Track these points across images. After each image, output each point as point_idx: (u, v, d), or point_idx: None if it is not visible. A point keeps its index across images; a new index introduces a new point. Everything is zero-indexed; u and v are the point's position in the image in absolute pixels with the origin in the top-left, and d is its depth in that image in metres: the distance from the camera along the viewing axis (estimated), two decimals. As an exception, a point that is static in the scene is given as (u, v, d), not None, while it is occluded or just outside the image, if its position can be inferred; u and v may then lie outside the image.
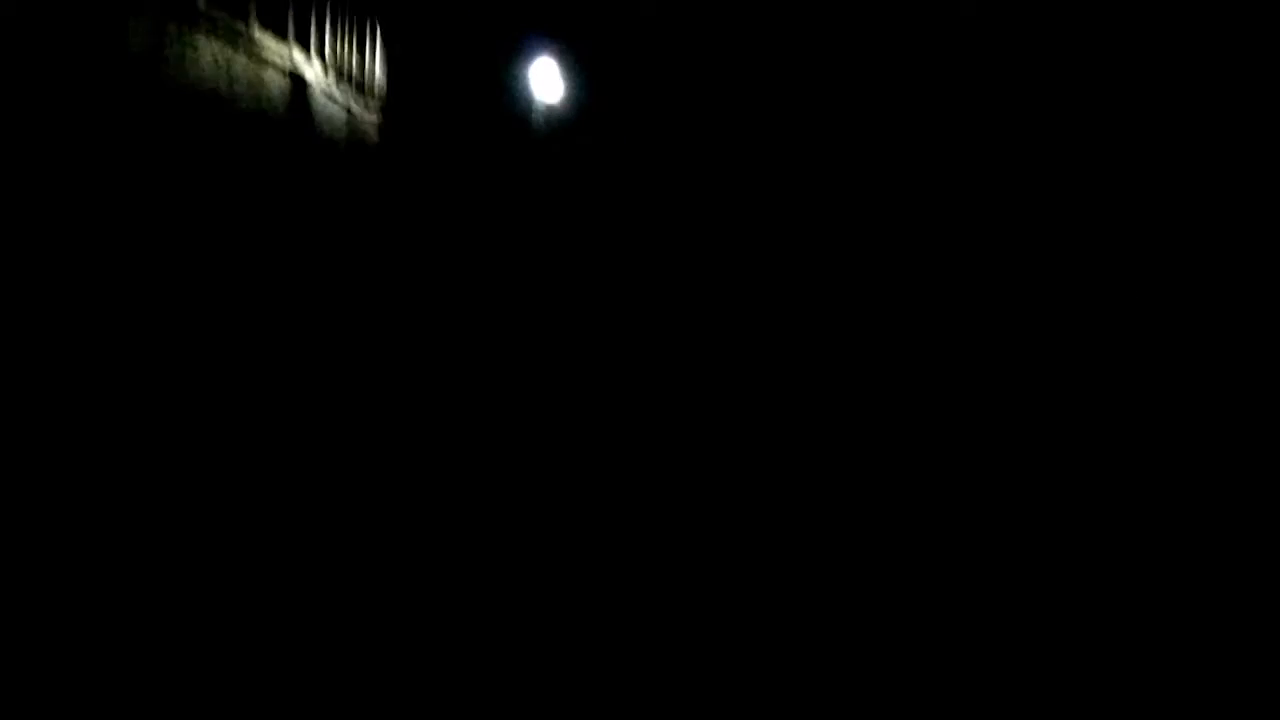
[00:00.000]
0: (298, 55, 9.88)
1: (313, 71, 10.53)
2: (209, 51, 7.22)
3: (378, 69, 16.66)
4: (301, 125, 10.20)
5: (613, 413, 4.56)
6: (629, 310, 8.09)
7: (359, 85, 15.25)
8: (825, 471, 4.40)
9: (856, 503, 3.98)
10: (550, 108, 24.99)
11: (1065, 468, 4.53)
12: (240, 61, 8.25)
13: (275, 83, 9.40)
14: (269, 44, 8.76)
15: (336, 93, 12.43)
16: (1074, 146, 11.71)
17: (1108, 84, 11.38)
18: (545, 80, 21.31)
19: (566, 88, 25.29)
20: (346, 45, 13.83)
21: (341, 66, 13.48)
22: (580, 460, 3.91)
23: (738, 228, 17.33)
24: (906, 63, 13.99)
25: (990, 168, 12.56)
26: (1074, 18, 11.73)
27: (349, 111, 14.17)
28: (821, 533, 3.63)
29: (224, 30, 7.45)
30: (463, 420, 4.01)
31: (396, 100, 20.64)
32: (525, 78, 24.99)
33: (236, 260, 8.29)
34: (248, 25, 8.06)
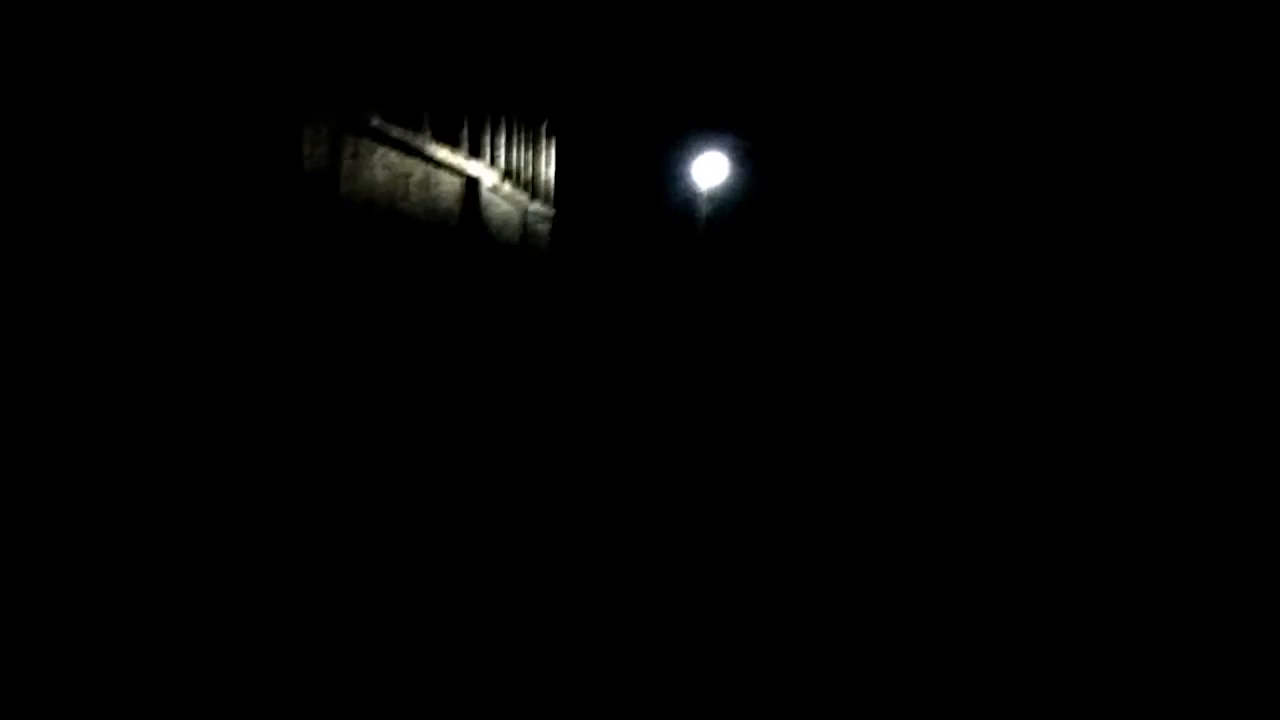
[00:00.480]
0: (471, 163, 10.93)
1: (485, 175, 11.59)
2: (383, 162, 8.22)
3: (550, 170, 18.13)
4: (472, 223, 11.17)
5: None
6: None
7: (532, 186, 16.63)
8: (832, 471, 4.56)
9: (865, 500, 4.14)
10: (713, 198, 25.90)
11: (1062, 464, 4.62)
12: (417, 169, 9.25)
13: (449, 186, 10.43)
14: (442, 154, 9.78)
15: (509, 192, 13.63)
16: (1073, 145, 11.65)
17: (1107, 83, 11.22)
18: (709, 172, 22.11)
19: (729, 179, 26.23)
20: (520, 149, 15.20)
21: (515, 170, 14.79)
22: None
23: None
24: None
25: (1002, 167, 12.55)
26: (1073, 18, 11.64)
27: (524, 210, 15.43)
28: (824, 530, 3.77)
29: (398, 142, 8.45)
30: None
31: (567, 197, 22.35)
32: (688, 172, 26.20)
33: (403, 348, 9.06)
34: (421, 137, 9.08)
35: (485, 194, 11.87)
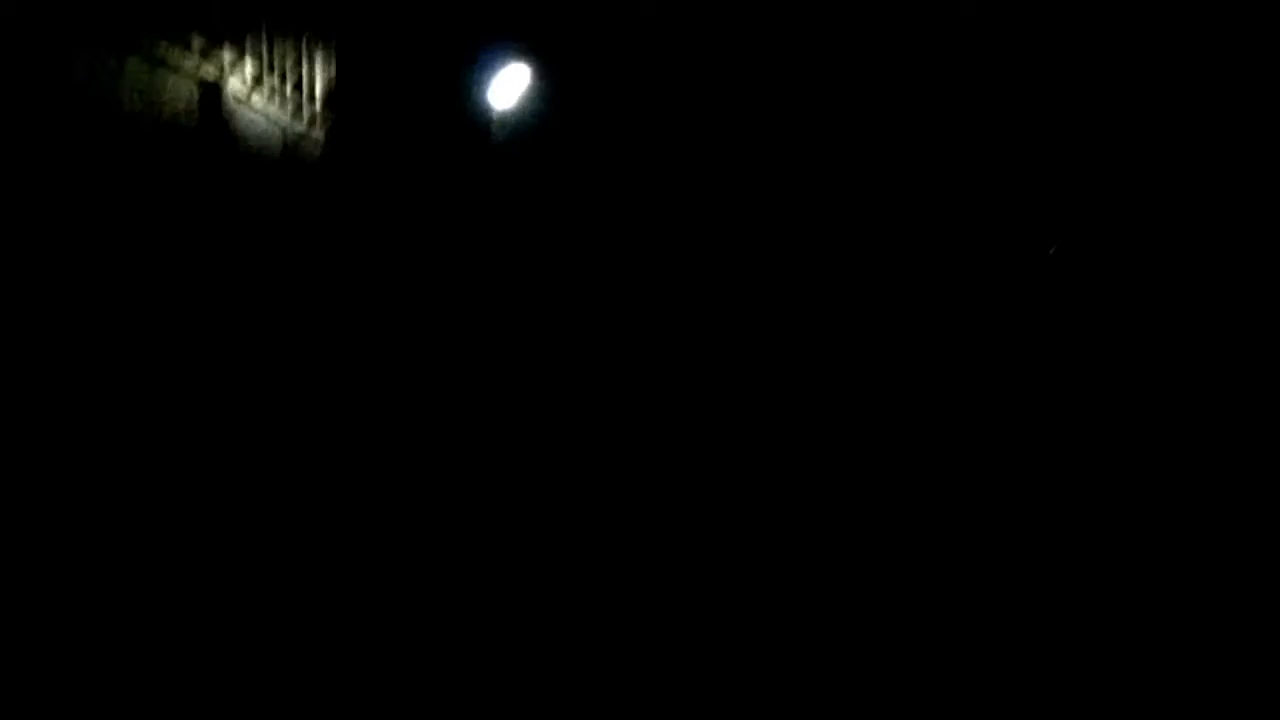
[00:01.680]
0: (208, 65, 9.07)
1: (230, 81, 9.73)
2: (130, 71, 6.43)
3: (322, 82, 15.87)
4: (213, 139, 9.38)
5: (576, 414, 4.50)
6: (594, 316, 7.86)
7: (299, 100, 14.46)
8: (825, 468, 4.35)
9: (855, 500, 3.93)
10: (508, 116, 24.27)
11: (1060, 462, 4.51)
12: (147, 74, 7.46)
13: (183, 92, 8.60)
14: (175, 53, 7.97)
15: (262, 105, 11.63)
16: (1072, 144, 11.63)
17: (1107, 82, 11.32)
18: (504, 90, 20.57)
19: (526, 97, 24.59)
20: (282, 53, 13.05)
21: (274, 78, 12.69)
22: (562, 458, 3.77)
23: (704, 231, 16.88)
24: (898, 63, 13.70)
25: (992, 166, 12.43)
26: (1072, 19, 11.65)
27: (284, 128, 13.37)
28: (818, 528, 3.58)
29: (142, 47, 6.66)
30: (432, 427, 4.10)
31: (344, 114, 19.80)
32: (482, 88, 24.26)
33: (130, 264, 7.47)
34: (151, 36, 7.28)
35: (231, 104, 10.00)
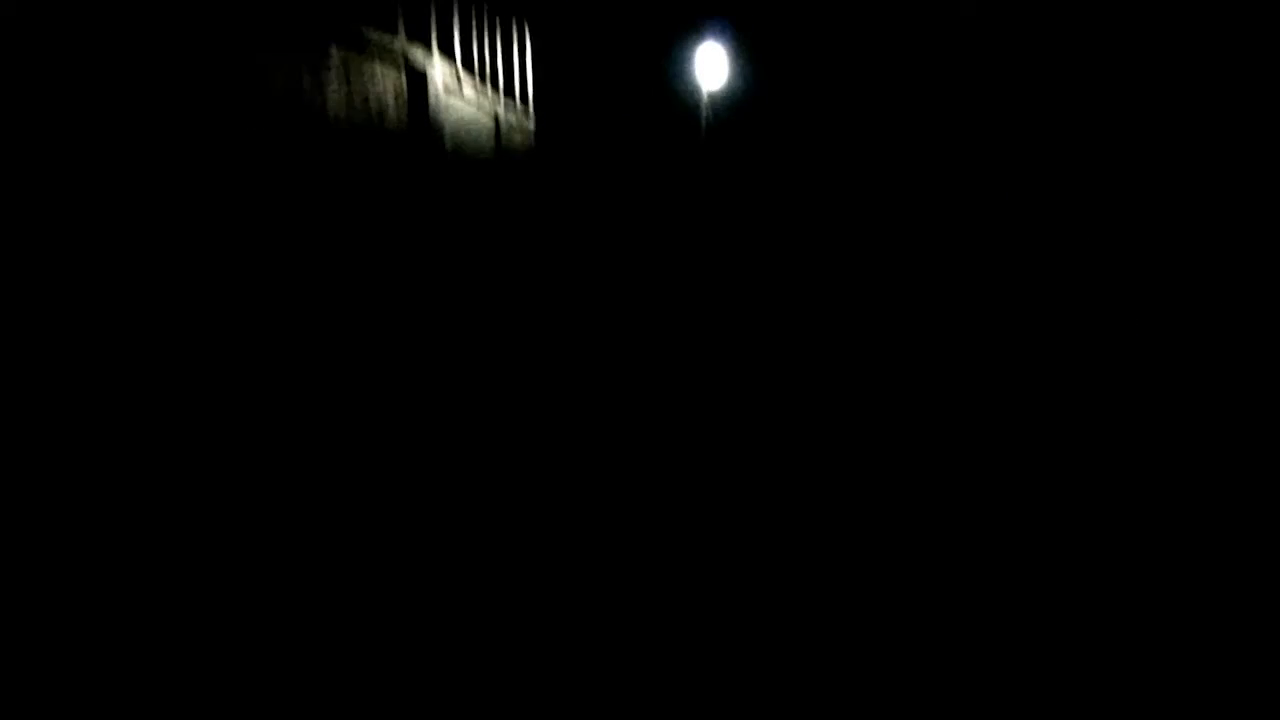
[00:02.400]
0: (416, 54, 8.70)
1: (437, 68, 9.36)
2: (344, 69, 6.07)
3: (527, 70, 15.63)
4: (422, 131, 9.02)
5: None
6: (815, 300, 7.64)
7: (506, 88, 14.25)
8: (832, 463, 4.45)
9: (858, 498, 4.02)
10: (716, 96, 23.11)
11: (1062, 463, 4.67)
12: (356, 61, 7.13)
13: (390, 81, 8.26)
14: (383, 40, 7.60)
15: (471, 95, 11.34)
16: (1070, 145, 12.10)
17: (1105, 84, 11.60)
18: (711, 70, 19.40)
19: (734, 77, 23.30)
20: (487, 41, 12.80)
21: (481, 67, 12.45)
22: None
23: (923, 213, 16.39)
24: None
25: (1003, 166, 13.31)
26: (1072, 19, 12.02)
27: (494, 116, 13.14)
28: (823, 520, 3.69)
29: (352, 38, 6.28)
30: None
31: (548, 102, 19.67)
32: (690, 69, 23.30)
33: (331, 253, 7.16)
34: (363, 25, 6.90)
35: (438, 94, 9.64)
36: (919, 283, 10.04)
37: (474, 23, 11.98)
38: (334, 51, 6.94)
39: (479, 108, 12.19)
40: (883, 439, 4.69)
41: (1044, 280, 10.43)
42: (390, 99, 8.35)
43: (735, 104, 21.87)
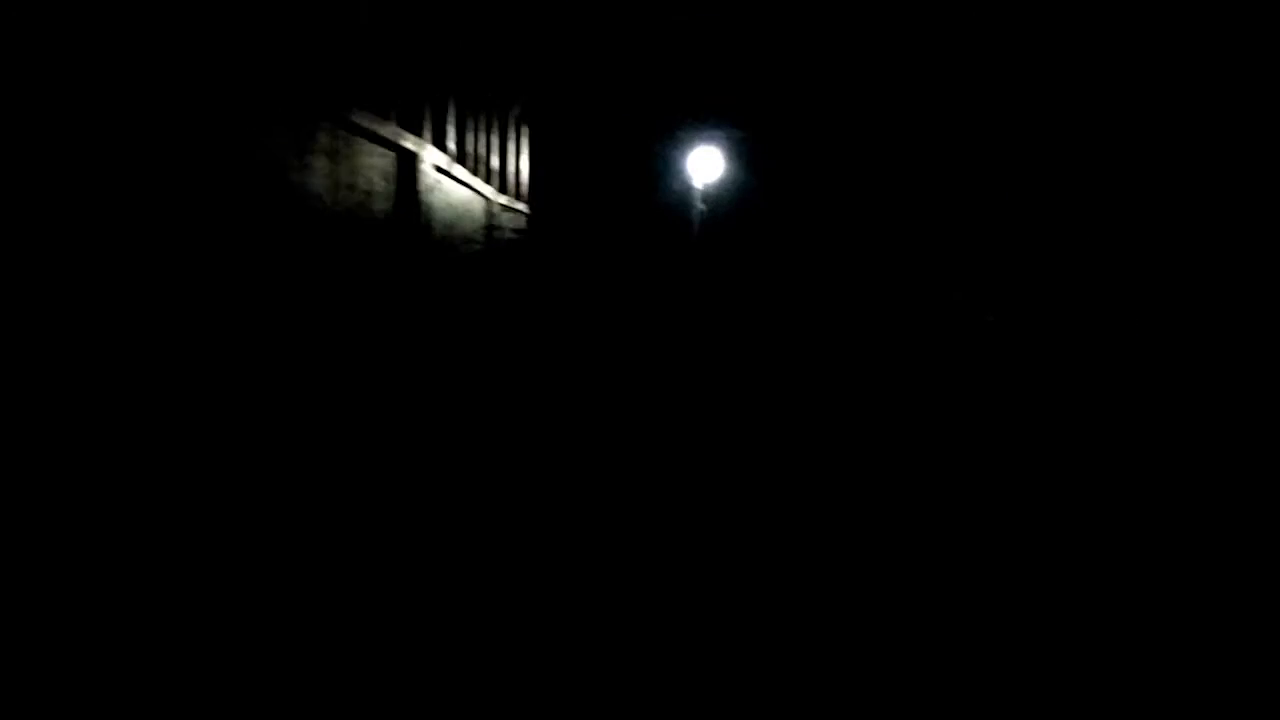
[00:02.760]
0: (406, 135, 8.84)
1: (427, 150, 9.50)
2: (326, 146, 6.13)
3: (522, 163, 15.98)
4: (410, 212, 9.07)
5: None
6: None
7: (500, 179, 14.52)
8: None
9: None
10: (708, 196, 23.65)
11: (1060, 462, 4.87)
12: (344, 142, 7.21)
13: (379, 161, 8.36)
14: (372, 122, 7.71)
15: (465, 178, 11.51)
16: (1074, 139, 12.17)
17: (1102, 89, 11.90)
18: (703, 167, 19.93)
19: (725, 174, 23.90)
20: (484, 135, 13.11)
21: (476, 157, 12.70)
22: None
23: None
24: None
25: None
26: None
27: (487, 202, 13.34)
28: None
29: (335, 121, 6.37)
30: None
31: (543, 194, 20.04)
32: (683, 167, 23.94)
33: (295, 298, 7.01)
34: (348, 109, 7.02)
35: (428, 180, 9.77)
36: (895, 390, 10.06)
37: (469, 113, 12.31)
38: (322, 134, 7.02)
39: (471, 195, 12.38)
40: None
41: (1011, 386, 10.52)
42: (379, 183, 8.43)
43: (729, 201, 22.36)
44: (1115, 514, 4.18)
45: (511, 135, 15.16)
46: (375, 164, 8.31)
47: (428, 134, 9.64)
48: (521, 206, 15.91)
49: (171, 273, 5.01)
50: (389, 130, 8.38)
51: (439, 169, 10.14)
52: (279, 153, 6.32)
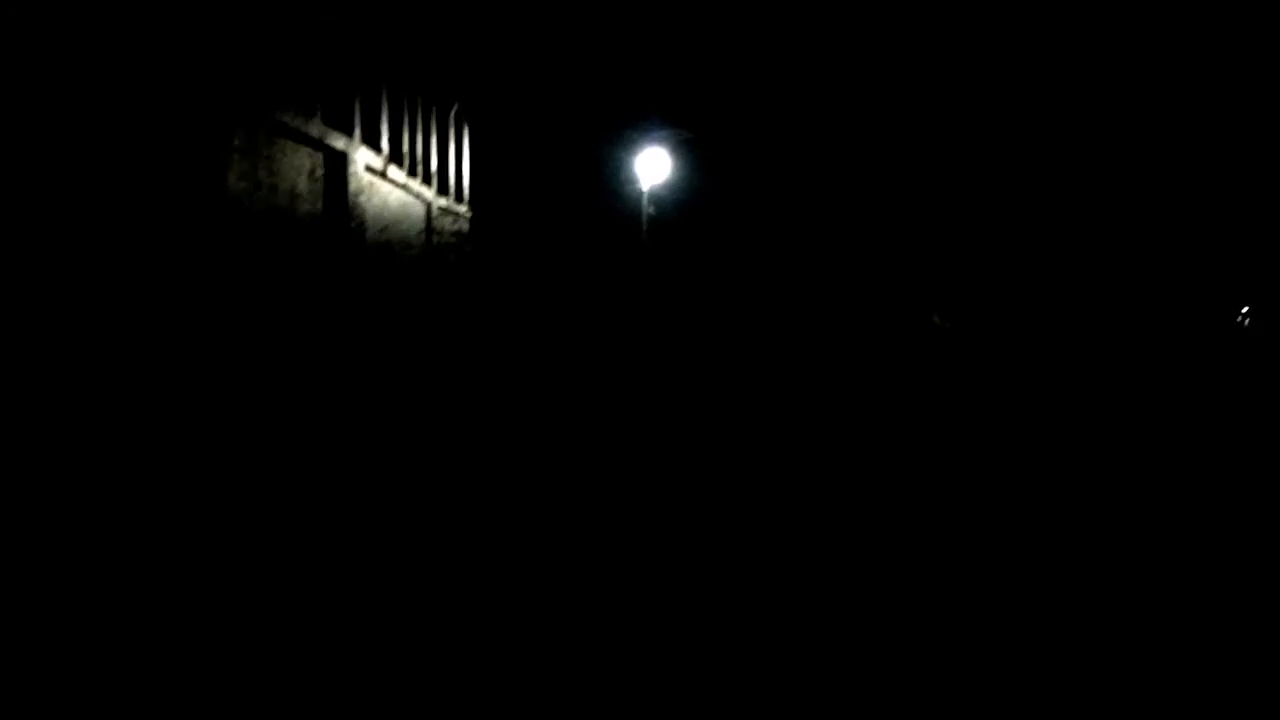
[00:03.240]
0: (335, 135, 8.39)
1: (359, 152, 9.05)
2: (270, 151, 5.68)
3: (465, 164, 15.51)
4: (339, 217, 8.62)
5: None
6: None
7: (440, 180, 14.04)
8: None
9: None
10: (656, 198, 23.39)
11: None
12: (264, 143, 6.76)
13: (305, 162, 7.91)
14: (293, 120, 7.27)
15: (403, 180, 11.02)
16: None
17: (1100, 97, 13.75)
18: (652, 169, 19.67)
19: (673, 176, 23.68)
20: (421, 134, 12.65)
21: (413, 157, 12.23)
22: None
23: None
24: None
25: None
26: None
27: (427, 205, 12.87)
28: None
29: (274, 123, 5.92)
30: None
31: (486, 195, 19.55)
32: (630, 168, 23.66)
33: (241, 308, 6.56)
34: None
35: (360, 181, 9.31)
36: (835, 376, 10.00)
37: (406, 110, 11.84)
38: (237, 132, 6.56)
39: (408, 198, 11.92)
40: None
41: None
42: (305, 184, 7.97)
43: (678, 203, 22.17)
44: (1058, 491, 4.33)
45: (452, 135, 14.69)
46: (301, 164, 7.85)
47: (359, 133, 9.20)
48: (464, 209, 15.45)
49: (55, 275, 4.56)
50: (315, 128, 7.93)
51: (372, 170, 9.69)
52: (185, 151, 5.87)
